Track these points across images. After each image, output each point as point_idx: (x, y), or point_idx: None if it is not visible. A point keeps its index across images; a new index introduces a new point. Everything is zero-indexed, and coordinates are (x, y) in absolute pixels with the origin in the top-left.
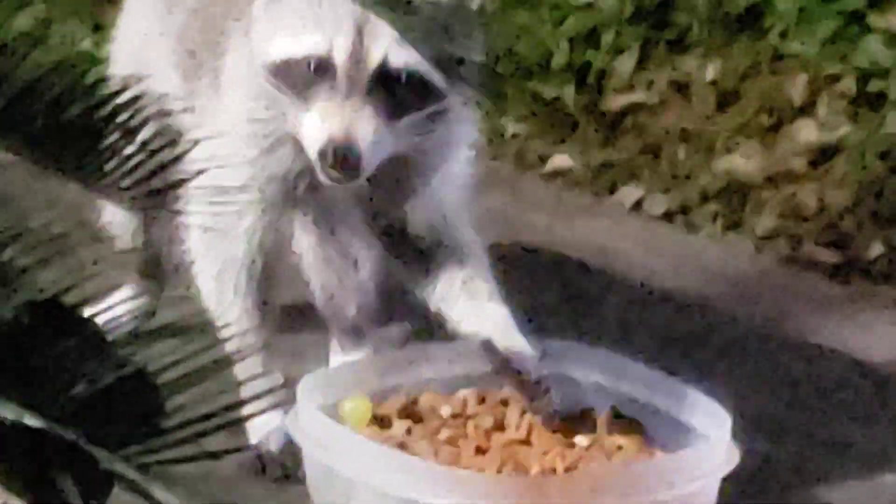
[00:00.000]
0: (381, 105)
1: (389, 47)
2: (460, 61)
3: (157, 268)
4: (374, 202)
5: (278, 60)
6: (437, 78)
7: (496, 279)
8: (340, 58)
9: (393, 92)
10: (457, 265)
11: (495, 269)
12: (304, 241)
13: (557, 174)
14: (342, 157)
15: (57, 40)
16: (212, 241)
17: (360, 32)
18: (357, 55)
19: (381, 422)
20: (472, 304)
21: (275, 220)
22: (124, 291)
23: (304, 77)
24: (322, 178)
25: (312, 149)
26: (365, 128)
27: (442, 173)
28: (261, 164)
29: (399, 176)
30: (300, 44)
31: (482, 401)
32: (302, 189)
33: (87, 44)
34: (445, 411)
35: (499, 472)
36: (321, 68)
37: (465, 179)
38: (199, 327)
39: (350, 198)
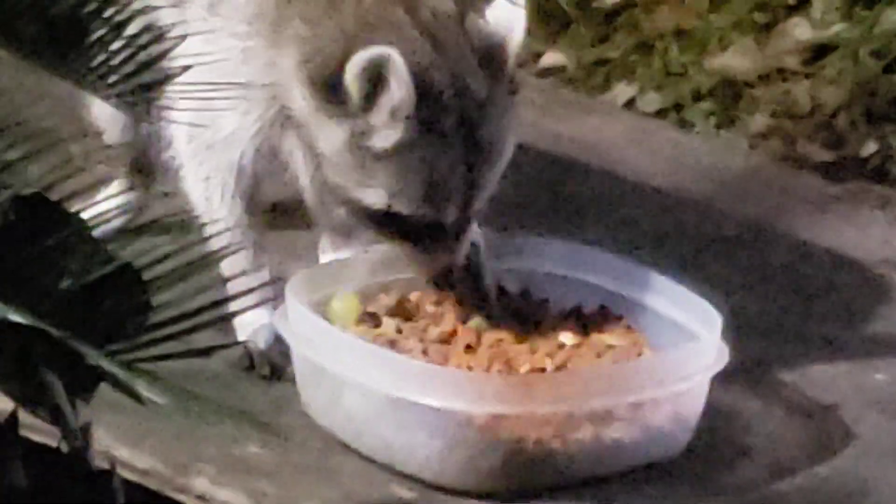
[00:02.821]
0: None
1: (489, 190)
2: None
3: (147, 163)
4: None
5: (377, 209)
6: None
7: None
8: (449, 221)
9: None
10: None
11: None
12: (295, 140)
13: (550, 71)
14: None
15: None
16: (200, 145)
17: (468, 201)
18: (463, 214)
19: (370, 320)
20: None
21: (266, 124)
22: (113, 187)
23: (405, 223)
24: None
25: (415, 270)
26: (465, 247)
27: None
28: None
29: None
30: (405, 206)
31: None
32: None
33: None
34: (435, 309)
35: (488, 370)
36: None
37: None
38: (187, 223)
39: None
